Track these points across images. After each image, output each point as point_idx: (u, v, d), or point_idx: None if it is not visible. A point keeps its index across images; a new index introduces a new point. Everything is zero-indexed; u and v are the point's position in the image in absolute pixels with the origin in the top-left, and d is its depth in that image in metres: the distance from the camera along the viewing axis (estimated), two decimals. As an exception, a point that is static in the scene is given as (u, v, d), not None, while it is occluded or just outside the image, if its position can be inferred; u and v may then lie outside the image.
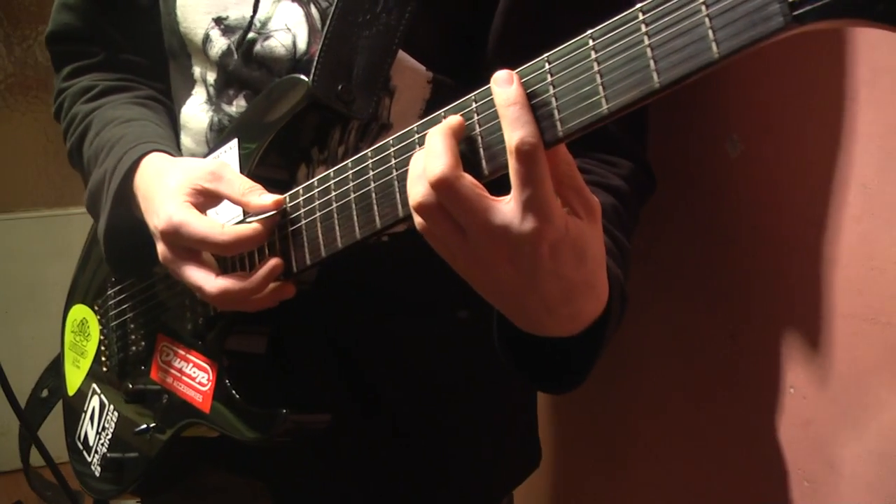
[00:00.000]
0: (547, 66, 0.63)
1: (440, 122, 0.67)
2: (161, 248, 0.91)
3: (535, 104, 0.62)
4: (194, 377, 1.00)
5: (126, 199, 0.99)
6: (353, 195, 0.78)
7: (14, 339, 2.83)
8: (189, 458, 1.11)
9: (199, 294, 0.91)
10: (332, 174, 0.81)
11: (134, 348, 1.11)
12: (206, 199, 0.90)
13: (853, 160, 0.89)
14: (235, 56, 0.96)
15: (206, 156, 0.99)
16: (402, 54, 0.87)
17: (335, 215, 0.80)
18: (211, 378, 0.98)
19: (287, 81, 0.89)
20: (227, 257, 0.91)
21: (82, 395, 1.22)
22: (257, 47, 0.94)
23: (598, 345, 0.75)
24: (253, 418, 0.95)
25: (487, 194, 0.64)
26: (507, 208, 0.63)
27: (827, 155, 0.92)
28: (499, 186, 0.66)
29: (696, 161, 1.10)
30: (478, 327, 1.06)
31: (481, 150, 0.67)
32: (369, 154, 0.76)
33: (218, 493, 1.14)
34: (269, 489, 1.08)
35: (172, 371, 1.04)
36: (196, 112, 1.02)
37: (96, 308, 1.20)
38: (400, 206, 0.73)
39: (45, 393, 1.43)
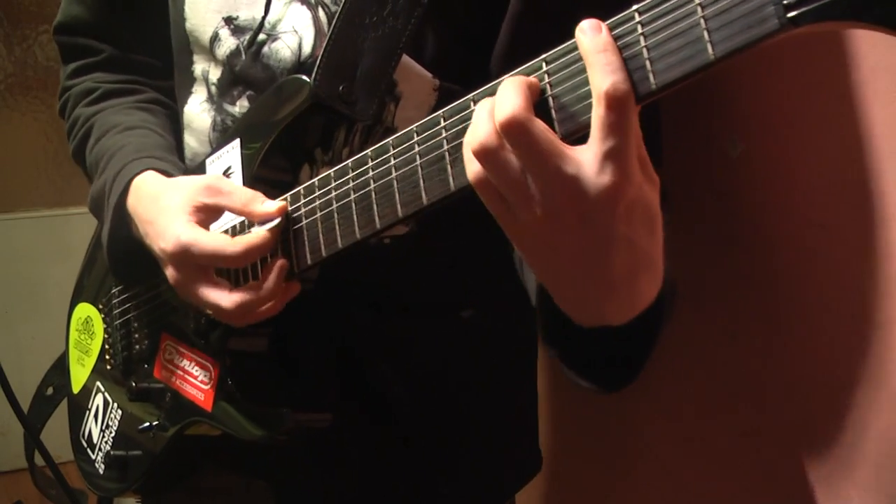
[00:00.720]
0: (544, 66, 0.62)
1: (439, 124, 0.67)
2: (170, 271, 0.91)
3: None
4: (197, 376, 1.01)
5: (124, 217, 1.00)
6: (353, 195, 0.78)
7: (14, 339, 2.82)
8: (192, 456, 1.11)
9: (214, 313, 0.90)
10: (332, 174, 0.81)
11: (138, 347, 1.12)
12: (209, 215, 0.90)
13: (853, 160, 0.89)
14: (244, 56, 0.96)
15: (209, 156, 0.99)
16: (408, 61, 0.86)
17: (335, 215, 0.80)
18: (213, 377, 0.99)
19: (289, 82, 0.89)
20: (230, 269, 0.91)
21: (87, 392, 1.22)
22: (265, 49, 0.94)
23: (653, 334, 0.72)
24: (255, 417, 0.95)
25: (560, 141, 0.60)
26: (585, 157, 0.58)
27: (827, 155, 0.92)
28: None
29: (696, 161, 1.10)
30: (481, 328, 1.07)
31: (553, 112, 0.62)
32: (370, 154, 0.77)
33: (220, 494, 1.15)
34: (272, 489, 1.08)
35: (176, 370, 1.04)
36: (198, 111, 1.03)
37: (101, 307, 1.20)
38: (399, 207, 0.73)
39: (49, 390, 1.43)
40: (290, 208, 0.87)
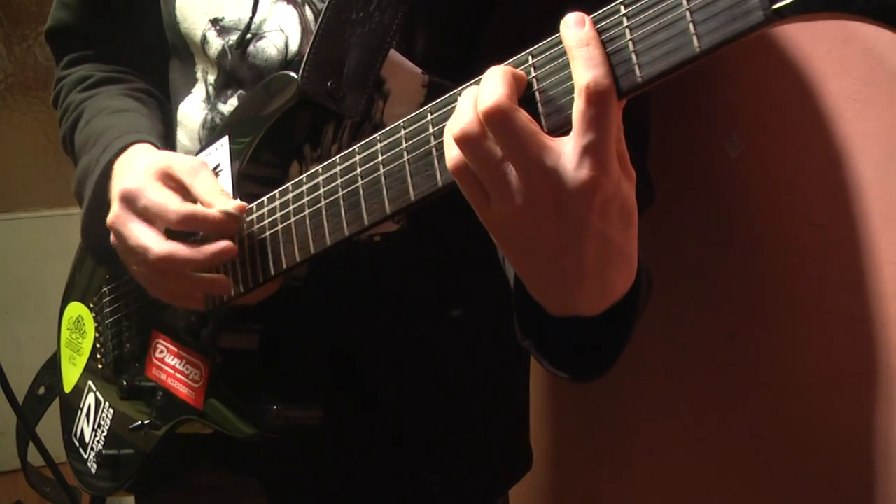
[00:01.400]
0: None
1: (425, 118, 0.66)
2: (114, 207, 0.91)
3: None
4: (188, 374, 1.01)
5: (106, 187, 0.99)
6: (340, 192, 0.78)
7: (14, 339, 2.82)
8: (184, 455, 1.11)
9: (141, 258, 0.89)
10: (320, 170, 0.81)
11: (129, 345, 1.12)
12: (175, 188, 0.90)
13: (853, 160, 0.89)
14: (230, 56, 0.96)
15: (197, 153, 0.99)
16: (396, 56, 0.86)
17: (323, 212, 0.80)
18: (204, 375, 0.99)
19: (277, 78, 0.89)
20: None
21: (78, 392, 1.22)
22: (250, 48, 0.94)
23: (625, 327, 0.72)
24: (245, 414, 0.95)
25: (542, 132, 0.60)
26: (565, 149, 0.59)
27: (827, 155, 0.92)
28: None
29: (696, 161, 1.10)
30: (472, 327, 1.06)
31: (540, 106, 0.62)
32: (357, 150, 0.76)
33: (212, 492, 1.15)
34: (264, 487, 1.08)
35: (166, 368, 1.04)
36: (192, 109, 1.03)
37: (92, 305, 1.20)
38: (387, 203, 0.73)
39: (41, 390, 1.43)
40: (278, 204, 0.86)
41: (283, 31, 0.93)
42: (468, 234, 0.98)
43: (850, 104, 0.89)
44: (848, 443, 0.94)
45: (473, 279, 1.04)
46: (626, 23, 0.58)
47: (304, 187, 0.83)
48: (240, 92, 0.97)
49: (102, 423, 1.16)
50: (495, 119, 0.59)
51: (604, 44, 0.58)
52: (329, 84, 0.85)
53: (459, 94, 0.67)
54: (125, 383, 1.09)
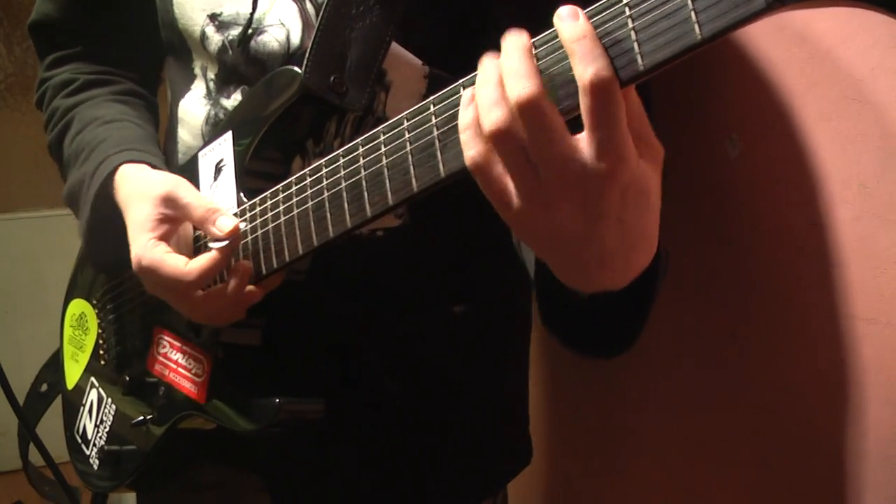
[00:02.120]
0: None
1: (428, 110, 0.66)
2: (139, 277, 0.95)
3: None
4: (190, 369, 1.01)
5: (106, 204, 1.00)
6: (343, 184, 0.78)
7: (14, 339, 2.81)
8: (186, 451, 1.11)
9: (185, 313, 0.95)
10: (323, 163, 0.81)
11: (131, 342, 1.12)
12: (171, 225, 0.93)
13: (853, 160, 0.89)
14: (230, 52, 0.97)
15: (201, 149, 0.99)
16: (398, 48, 0.87)
17: (327, 204, 0.80)
18: (206, 370, 0.99)
19: (280, 73, 0.89)
20: None
21: (81, 388, 1.22)
22: (252, 42, 0.94)
23: (647, 298, 0.72)
24: (248, 409, 0.95)
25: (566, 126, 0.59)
26: (581, 144, 0.59)
27: (827, 155, 0.92)
28: None
29: (696, 161, 1.10)
30: (473, 323, 1.07)
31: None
32: (360, 143, 0.77)
33: (214, 488, 1.14)
34: (266, 482, 1.08)
35: (169, 363, 1.04)
36: (194, 106, 1.03)
37: (94, 302, 1.20)
38: (390, 195, 0.73)
39: (44, 387, 1.43)
40: (282, 197, 0.86)
41: (283, 25, 0.93)
42: (470, 230, 0.99)
43: (849, 104, 0.89)
44: (848, 443, 0.94)
45: (475, 275, 1.04)
46: (628, 12, 0.57)
47: (307, 181, 0.83)
48: (243, 87, 0.97)
49: (105, 419, 1.16)
50: (530, 112, 0.58)
51: (604, 34, 0.58)
52: (332, 79, 0.85)
53: (462, 87, 0.67)
54: (128, 379, 1.09)
